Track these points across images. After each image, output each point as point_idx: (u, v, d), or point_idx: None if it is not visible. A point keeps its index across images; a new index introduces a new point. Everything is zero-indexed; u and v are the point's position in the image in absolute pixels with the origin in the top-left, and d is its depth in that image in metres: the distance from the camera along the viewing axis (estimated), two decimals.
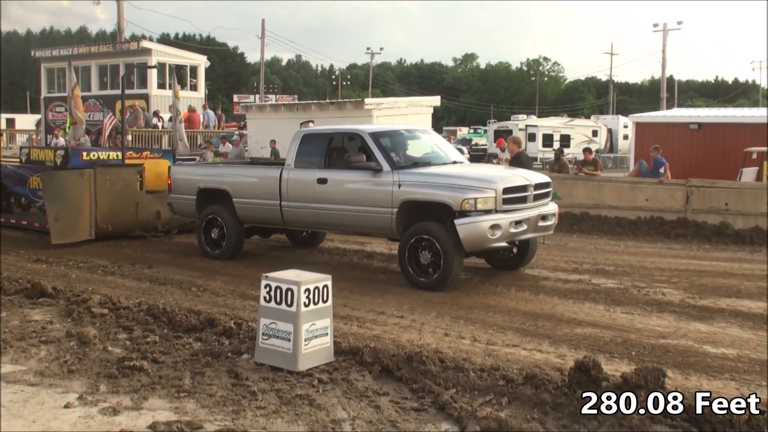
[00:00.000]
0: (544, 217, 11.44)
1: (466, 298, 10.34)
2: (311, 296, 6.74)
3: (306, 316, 6.70)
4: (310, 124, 13.49)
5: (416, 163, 11.94)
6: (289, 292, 6.68)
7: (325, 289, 6.90)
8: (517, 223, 10.84)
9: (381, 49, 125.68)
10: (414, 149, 12.60)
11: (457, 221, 10.59)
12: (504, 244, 10.88)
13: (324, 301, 6.88)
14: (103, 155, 16.62)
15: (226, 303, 9.82)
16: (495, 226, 10.56)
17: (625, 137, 52.01)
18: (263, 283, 6.88)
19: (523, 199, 11.10)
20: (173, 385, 6.34)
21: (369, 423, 5.58)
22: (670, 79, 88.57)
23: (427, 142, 13.09)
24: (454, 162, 12.48)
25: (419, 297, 10.30)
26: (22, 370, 6.84)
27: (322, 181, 12.04)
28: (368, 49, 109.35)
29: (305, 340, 6.70)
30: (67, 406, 5.88)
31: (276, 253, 14.31)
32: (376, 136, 11.95)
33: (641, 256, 14.02)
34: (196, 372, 6.68)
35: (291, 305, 6.66)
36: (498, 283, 11.27)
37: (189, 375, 6.61)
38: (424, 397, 6.12)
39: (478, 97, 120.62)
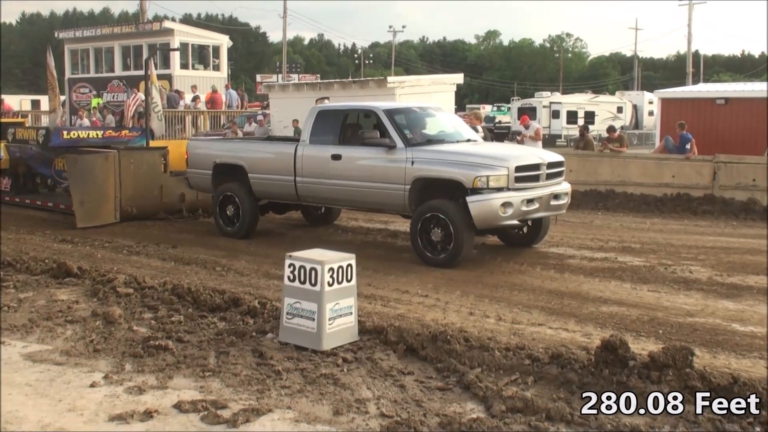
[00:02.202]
0: (556, 196, 11.41)
1: (491, 276, 10.28)
2: (335, 275, 6.71)
3: (330, 295, 6.67)
4: (326, 101, 13.47)
5: (430, 140, 11.94)
6: (313, 272, 6.65)
7: (349, 268, 6.87)
8: (529, 201, 10.82)
9: (403, 27, 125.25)
10: (428, 127, 12.60)
11: (468, 198, 10.60)
12: (515, 222, 10.90)
13: (348, 281, 6.85)
14: (83, 134, 16.69)
15: (250, 282, 9.82)
16: (506, 204, 10.56)
17: (651, 113, 51.45)
18: (287, 262, 6.85)
19: (536, 178, 11.08)
20: (198, 365, 6.34)
21: (394, 402, 5.56)
22: (696, 54, 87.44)
23: (441, 120, 13.06)
24: (468, 140, 12.43)
25: (443, 276, 10.25)
26: (48, 349, 6.88)
27: (336, 157, 12.06)
28: (390, 27, 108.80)
29: (329, 320, 6.68)
30: (92, 386, 5.90)
31: (298, 232, 14.30)
32: (390, 113, 11.95)
33: (668, 233, 13.87)
34: (221, 351, 6.68)
35: (315, 284, 6.64)
36: (523, 261, 11.18)
37: (214, 354, 6.62)
38: (449, 376, 6.09)
39: (501, 74, 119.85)
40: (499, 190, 10.58)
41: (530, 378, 5.98)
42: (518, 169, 10.76)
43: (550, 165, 11.38)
